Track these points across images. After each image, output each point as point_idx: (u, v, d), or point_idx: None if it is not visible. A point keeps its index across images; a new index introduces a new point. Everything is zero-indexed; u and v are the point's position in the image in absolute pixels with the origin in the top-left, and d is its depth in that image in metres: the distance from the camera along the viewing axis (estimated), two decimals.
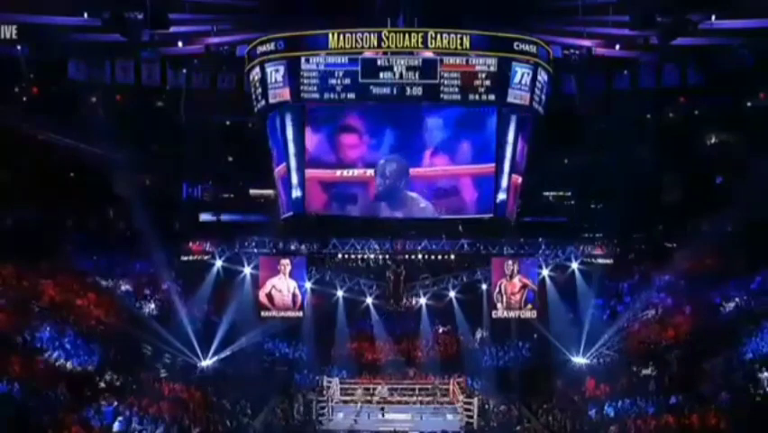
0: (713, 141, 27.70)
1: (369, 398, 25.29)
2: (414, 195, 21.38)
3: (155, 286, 27.04)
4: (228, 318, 26.28)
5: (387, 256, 26.22)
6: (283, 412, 24.19)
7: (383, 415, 24.12)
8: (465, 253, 26.27)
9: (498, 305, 25.73)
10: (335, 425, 23.59)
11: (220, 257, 26.94)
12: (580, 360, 26.23)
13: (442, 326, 29.25)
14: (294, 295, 25.48)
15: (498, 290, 25.73)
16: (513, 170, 22.03)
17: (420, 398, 25.92)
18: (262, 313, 25.54)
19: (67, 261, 25.20)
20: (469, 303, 28.42)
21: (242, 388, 24.53)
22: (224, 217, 27.94)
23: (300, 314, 25.61)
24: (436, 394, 26.06)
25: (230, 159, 29.48)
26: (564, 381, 25.68)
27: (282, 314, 25.50)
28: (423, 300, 28.39)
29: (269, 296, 25.58)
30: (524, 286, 25.51)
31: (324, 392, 25.22)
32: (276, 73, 20.97)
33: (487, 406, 24.55)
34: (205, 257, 26.66)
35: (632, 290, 27.75)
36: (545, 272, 26.95)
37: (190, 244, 26.61)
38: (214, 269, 26.82)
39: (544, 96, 21.26)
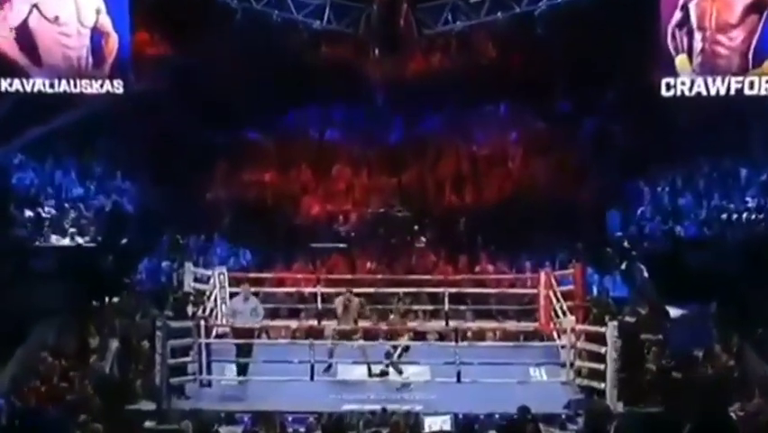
0: None
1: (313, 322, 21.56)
2: None
3: None
4: None
5: None
6: (58, 367, 20.08)
7: (371, 373, 19.95)
8: None
9: (681, 59, 23.13)
10: (221, 398, 19.36)
11: None
12: None
13: (511, 115, 26.56)
14: (96, 30, 23.23)
15: (678, 19, 23.20)
16: None
17: (455, 322, 21.70)
18: (3, 85, 23.86)
19: None
20: (585, 48, 25.36)
21: None
22: None
23: (117, 89, 23.62)
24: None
25: None
26: None
27: (64, 88, 23.50)
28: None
29: (24, 32, 23.36)
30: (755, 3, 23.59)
31: (191, 312, 20.57)
32: None
33: (645, 346, 20.11)
34: None
35: None
36: None
37: None
38: None
39: None
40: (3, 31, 22.75)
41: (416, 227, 24.65)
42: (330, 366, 19.56)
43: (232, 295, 21.44)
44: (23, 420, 17.58)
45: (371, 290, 21.73)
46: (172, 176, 25.15)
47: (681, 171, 25.78)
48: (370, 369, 19.71)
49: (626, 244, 24.17)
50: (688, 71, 22.82)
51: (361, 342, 19.86)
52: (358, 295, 21.12)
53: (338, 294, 20.93)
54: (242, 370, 19.86)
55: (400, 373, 19.59)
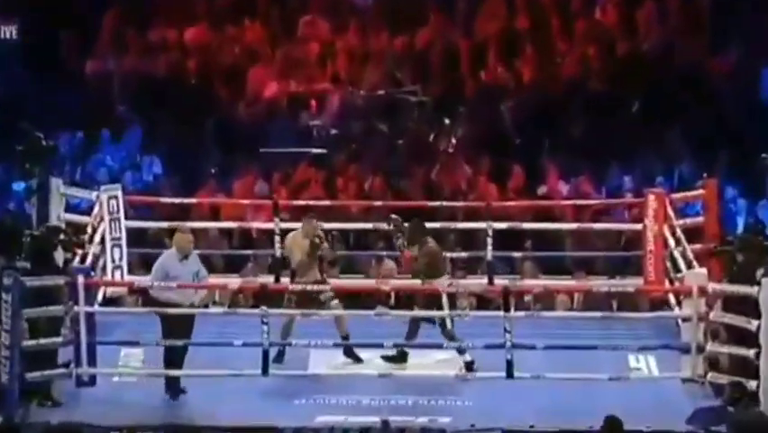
0: None
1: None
2: None
3: None
4: None
5: None
6: None
7: (356, 359, 16.81)
8: None
9: None
10: (114, 404, 16.45)
11: None
12: None
13: None
14: None
15: None
16: None
17: (504, 279, 19.24)
18: None
19: None
20: None
21: None
22: None
23: None
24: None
25: None
26: None
27: None
28: None
29: None
30: None
31: (62, 260, 17.25)
32: None
33: None
34: None
35: None
36: None
37: None
38: None
39: None
40: None
41: (446, 120, 21.40)
42: (282, 352, 15.67)
43: (133, 234, 18.56)
44: None
45: (366, 225, 18.30)
46: (27, 35, 22.03)
47: None
48: (354, 354, 16.06)
49: None
50: None
51: (338, 309, 15.63)
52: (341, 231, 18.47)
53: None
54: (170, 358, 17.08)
55: (462, 352, 15.58)
